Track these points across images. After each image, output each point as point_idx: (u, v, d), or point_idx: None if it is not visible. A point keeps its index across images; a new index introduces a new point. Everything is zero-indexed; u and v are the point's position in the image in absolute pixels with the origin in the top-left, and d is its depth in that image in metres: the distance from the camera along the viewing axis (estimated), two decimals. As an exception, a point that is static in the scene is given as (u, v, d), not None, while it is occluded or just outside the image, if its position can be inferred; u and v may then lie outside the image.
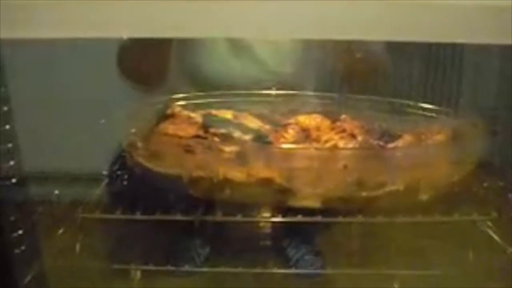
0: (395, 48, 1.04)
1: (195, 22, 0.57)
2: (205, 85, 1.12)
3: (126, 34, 0.64)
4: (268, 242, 1.00)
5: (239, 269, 0.83)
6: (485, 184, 0.92)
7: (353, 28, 0.58)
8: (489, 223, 0.89)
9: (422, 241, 0.92)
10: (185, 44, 1.15)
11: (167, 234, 0.94)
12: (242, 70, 1.16)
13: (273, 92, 1.06)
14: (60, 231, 0.87)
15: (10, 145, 0.78)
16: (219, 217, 0.81)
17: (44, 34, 0.58)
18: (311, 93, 1.06)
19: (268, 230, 0.97)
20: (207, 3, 0.56)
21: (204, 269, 0.86)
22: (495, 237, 0.88)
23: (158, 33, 0.61)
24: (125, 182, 0.97)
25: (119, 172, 0.99)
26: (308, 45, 1.14)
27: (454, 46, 1.19)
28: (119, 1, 0.57)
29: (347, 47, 1.01)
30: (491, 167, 0.92)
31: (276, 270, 0.88)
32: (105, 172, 1.01)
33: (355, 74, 1.06)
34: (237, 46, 1.15)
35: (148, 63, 1.07)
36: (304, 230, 1.08)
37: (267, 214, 0.85)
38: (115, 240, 0.96)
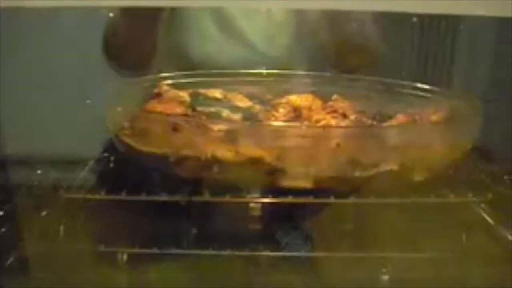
0: (388, 26, 1.02)
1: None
2: (193, 67, 1.10)
3: (117, 3, 0.62)
4: (258, 226, 0.98)
5: (227, 252, 0.82)
6: (480, 167, 0.91)
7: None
8: (483, 206, 0.88)
9: (415, 224, 0.91)
10: (174, 27, 1.13)
11: (154, 216, 0.92)
12: (232, 53, 1.14)
13: (263, 71, 1.04)
14: (44, 213, 0.85)
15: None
16: (206, 197, 0.79)
17: (31, 3, 0.56)
18: (303, 73, 1.04)
19: (257, 213, 0.95)
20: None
21: (191, 251, 0.84)
22: (489, 219, 0.87)
23: (148, 2, 0.59)
24: (111, 164, 0.95)
25: (105, 154, 0.97)
26: (299, 23, 1.13)
27: (447, 24, 1.18)
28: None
29: (339, 24, 1.00)
30: (486, 151, 0.91)
31: (265, 253, 0.87)
32: (91, 153, 0.99)
33: (346, 53, 1.05)
34: (227, 29, 1.13)
35: (135, 47, 1.05)
36: (294, 214, 1.07)
37: (258, 194, 0.83)
38: (101, 223, 0.94)
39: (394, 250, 0.87)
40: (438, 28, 1.19)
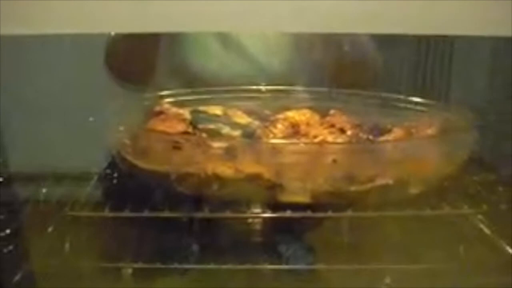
0: (385, 42, 1.04)
1: (187, 17, 0.57)
2: (195, 81, 1.11)
3: (120, 29, 0.63)
4: (260, 238, 0.99)
5: (229, 266, 0.83)
6: (475, 178, 0.92)
7: (343, 21, 0.58)
8: (480, 217, 0.89)
9: (413, 235, 0.92)
10: (175, 40, 1.14)
11: (157, 231, 0.94)
12: (233, 65, 1.15)
13: (262, 87, 1.06)
14: (49, 229, 0.87)
15: (-4, 143, 0.78)
16: (207, 213, 0.81)
17: (31, 30, 0.58)
18: (301, 88, 1.05)
19: (259, 226, 0.97)
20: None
21: (194, 266, 0.86)
22: (486, 230, 0.88)
23: (152, 28, 0.60)
24: (114, 180, 0.97)
25: (108, 170, 0.99)
26: (298, 40, 1.14)
27: (444, 39, 1.19)
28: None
29: (338, 41, 1.01)
30: (482, 161, 0.92)
31: (266, 266, 0.88)
32: (94, 170, 1.00)
33: (345, 69, 1.06)
34: (228, 42, 1.14)
35: (137, 60, 1.06)
36: (295, 226, 1.08)
37: (257, 210, 0.84)
38: (105, 239, 0.96)
39: (392, 262, 0.88)
40: (435, 44, 1.21)
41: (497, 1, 0.57)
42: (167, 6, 0.57)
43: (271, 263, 0.92)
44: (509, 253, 0.83)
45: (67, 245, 0.86)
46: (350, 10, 0.56)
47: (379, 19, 0.57)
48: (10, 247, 0.80)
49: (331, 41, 1.02)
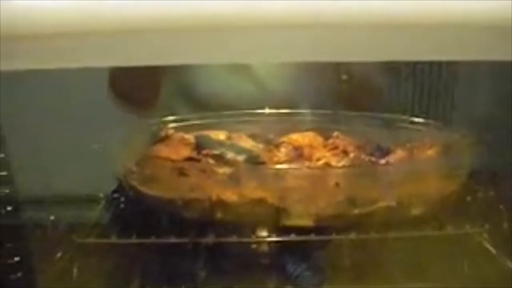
0: (387, 64, 1.05)
1: (195, 50, 0.58)
2: (199, 105, 1.12)
3: (128, 63, 0.64)
4: (267, 260, 1.00)
5: (236, 288, 0.84)
6: (478, 195, 0.92)
7: (348, 50, 0.58)
8: (485, 235, 0.90)
9: (417, 254, 0.92)
10: (180, 66, 1.15)
11: (164, 256, 0.94)
12: (239, 88, 1.16)
13: (266, 111, 1.07)
14: (58, 255, 0.88)
15: (5, 173, 0.79)
16: (213, 239, 0.81)
17: (35, 66, 0.59)
18: (304, 111, 1.06)
19: (265, 248, 0.97)
20: (207, 33, 0.57)
21: (202, 290, 0.86)
22: (490, 248, 0.89)
23: (158, 62, 0.61)
24: (122, 205, 0.98)
25: (115, 195, 1.00)
26: (304, 64, 1.15)
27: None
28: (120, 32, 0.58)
29: (341, 67, 1.03)
30: (482, 176, 0.92)
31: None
32: (101, 195, 1.01)
33: (349, 92, 1.07)
34: (234, 65, 1.15)
35: (142, 86, 1.07)
36: (301, 247, 1.08)
37: (263, 233, 0.85)
38: (113, 263, 0.97)
39: (397, 281, 0.88)
40: (439, 66, 1.21)
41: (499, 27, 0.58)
42: (171, 39, 0.58)
43: (279, 285, 0.92)
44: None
45: (75, 270, 0.87)
46: (354, 39, 0.57)
47: (383, 47, 0.58)
48: (19, 274, 0.81)
49: (335, 65, 1.03)
